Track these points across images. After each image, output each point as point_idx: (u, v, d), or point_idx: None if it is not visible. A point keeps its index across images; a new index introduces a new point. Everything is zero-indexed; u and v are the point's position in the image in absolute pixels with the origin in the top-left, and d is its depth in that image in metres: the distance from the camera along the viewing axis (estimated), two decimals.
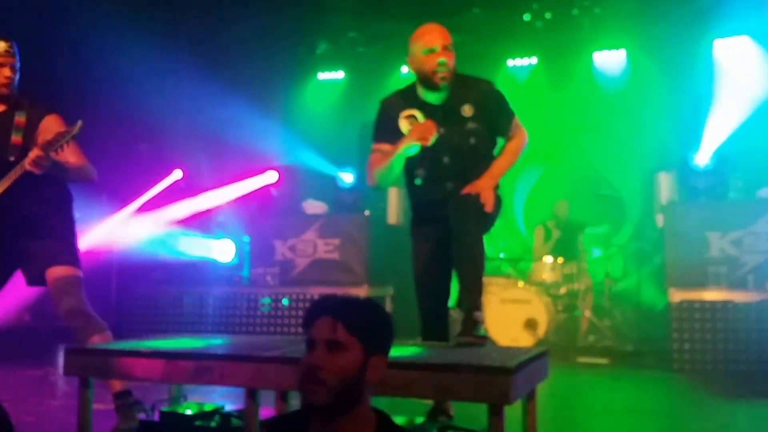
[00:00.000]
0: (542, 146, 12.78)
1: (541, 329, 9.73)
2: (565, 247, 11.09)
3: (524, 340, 9.60)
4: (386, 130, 4.89)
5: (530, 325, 9.76)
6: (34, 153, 4.45)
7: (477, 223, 4.56)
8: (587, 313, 10.39)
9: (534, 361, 3.82)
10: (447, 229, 4.65)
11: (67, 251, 4.93)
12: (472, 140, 4.79)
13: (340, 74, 14.15)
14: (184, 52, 11.77)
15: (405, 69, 12.92)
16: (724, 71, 11.27)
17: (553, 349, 9.50)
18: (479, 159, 4.83)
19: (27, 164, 4.48)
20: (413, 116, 4.80)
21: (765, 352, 8.57)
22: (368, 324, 2.47)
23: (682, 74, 11.69)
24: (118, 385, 4.86)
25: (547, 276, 10.59)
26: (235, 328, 10.62)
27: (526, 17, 12.36)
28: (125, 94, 11.02)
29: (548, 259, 10.68)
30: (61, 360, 9.03)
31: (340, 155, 12.36)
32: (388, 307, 10.51)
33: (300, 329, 8.97)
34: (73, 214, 5.10)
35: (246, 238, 11.80)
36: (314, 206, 11.22)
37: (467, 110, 4.78)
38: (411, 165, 4.92)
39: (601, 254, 11.35)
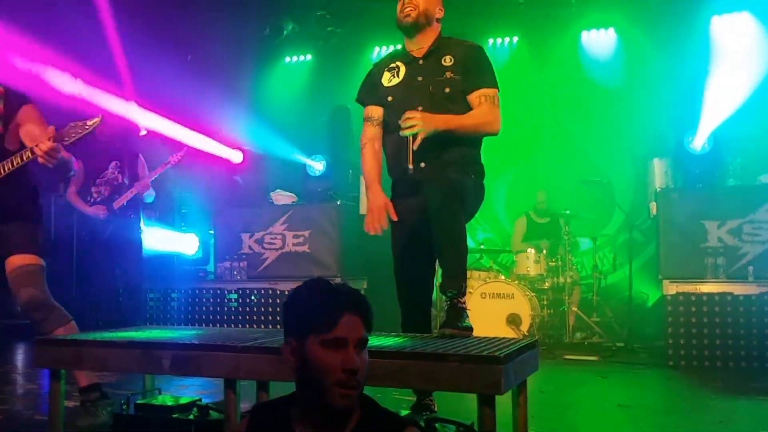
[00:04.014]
0: (525, 131, 12.84)
1: (525, 325, 9.85)
2: (549, 238, 11.24)
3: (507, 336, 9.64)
4: (366, 90, 5.39)
5: (513, 320, 9.87)
6: (46, 145, 4.58)
7: (455, 206, 4.71)
8: (574, 309, 10.53)
9: (524, 352, 3.93)
10: (424, 205, 4.84)
11: (30, 239, 4.99)
12: (447, 89, 5.06)
13: (307, 57, 14.27)
14: (143, 33, 11.80)
15: (377, 50, 13.06)
16: (722, 50, 11.22)
17: (539, 346, 9.67)
18: (453, 112, 5.04)
19: (39, 157, 4.61)
20: (396, 67, 5.24)
21: (766, 348, 8.66)
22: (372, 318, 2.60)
23: (677, 54, 11.75)
24: (84, 380, 4.98)
25: (531, 269, 10.69)
26: (202, 325, 10.73)
27: None
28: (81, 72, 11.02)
29: (531, 250, 10.77)
30: (20, 357, 9.16)
31: (310, 142, 12.43)
32: None
33: (269, 326, 9.00)
34: (39, 200, 5.20)
35: (211, 231, 11.90)
36: (283, 197, 11.31)
37: (447, 60, 5.09)
38: (386, 122, 5.27)
39: (589, 246, 11.47)
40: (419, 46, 5.20)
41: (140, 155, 9.42)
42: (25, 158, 4.77)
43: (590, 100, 12.77)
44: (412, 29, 5.16)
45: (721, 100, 10.50)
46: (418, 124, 4.69)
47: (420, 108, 4.97)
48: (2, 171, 4.87)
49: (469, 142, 5.14)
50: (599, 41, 12.92)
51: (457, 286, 4.66)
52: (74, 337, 4.45)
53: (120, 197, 9.02)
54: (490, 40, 13.32)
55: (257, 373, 3.81)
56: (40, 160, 4.64)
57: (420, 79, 5.13)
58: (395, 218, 5.04)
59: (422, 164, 5.01)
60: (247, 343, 3.93)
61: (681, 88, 11.46)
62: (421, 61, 5.19)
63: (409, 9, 5.11)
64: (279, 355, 3.42)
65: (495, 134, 5.05)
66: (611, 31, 12.84)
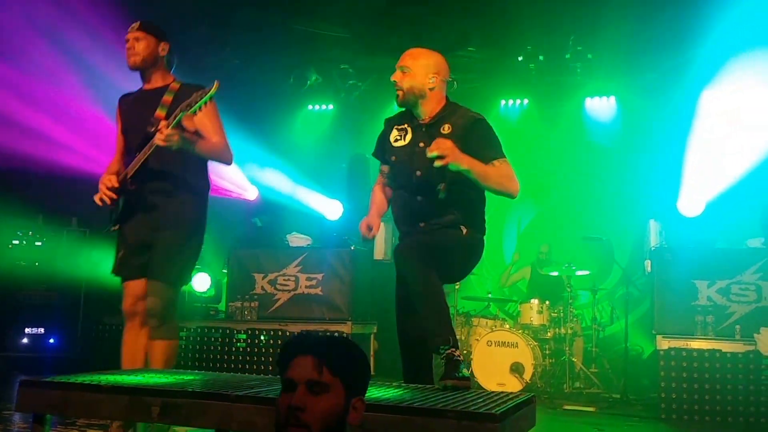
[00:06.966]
0: (532, 188, 12.78)
1: (528, 374, 9.45)
2: (552, 290, 10.96)
3: (510, 384, 9.33)
4: (378, 146, 5.21)
5: (516, 369, 9.49)
6: (162, 125, 4.68)
7: (418, 263, 4.43)
8: (575, 359, 10.19)
9: (521, 408, 3.57)
10: None
11: (172, 263, 5.18)
12: None
13: (329, 107, 14.17)
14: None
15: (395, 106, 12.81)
16: (708, 122, 11.13)
17: (540, 394, 9.28)
18: (450, 178, 4.74)
19: (156, 139, 4.67)
20: (405, 129, 4.97)
21: (752, 404, 8.31)
22: (351, 365, 2.32)
23: (670, 122, 11.65)
24: None
25: (535, 319, 10.39)
26: (209, 365, 10.08)
27: (520, 58, 12.22)
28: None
29: (535, 301, 10.48)
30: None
31: (328, 188, 12.23)
32: (372, 345, 10.27)
33: (277, 368, 8.58)
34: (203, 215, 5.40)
35: (224, 269, 11.42)
36: (299, 239, 10.89)
37: (446, 128, 4.78)
38: (390, 178, 5.14)
39: (588, 299, 11.16)
40: (424, 114, 4.90)
41: None
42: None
43: (592, 161, 12.76)
44: (406, 106, 4.94)
45: (709, 169, 10.55)
46: (447, 152, 4.40)
47: (419, 173, 4.78)
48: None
49: (471, 203, 4.90)
50: (601, 107, 12.95)
51: (443, 341, 4.28)
52: (60, 379, 3.95)
53: None
54: (503, 101, 13.41)
55: (249, 424, 3.37)
56: (157, 142, 4.71)
57: (422, 145, 4.79)
58: (370, 236, 4.97)
59: (422, 224, 4.80)
60: (241, 392, 3.48)
61: (674, 154, 11.28)
62: (424, 129, 4.88)
63: (397, 92, 4.86)
64: (273, 405, 3.05)
65: (513, 195, 4.83)
66: (612, 99, 12.89)
